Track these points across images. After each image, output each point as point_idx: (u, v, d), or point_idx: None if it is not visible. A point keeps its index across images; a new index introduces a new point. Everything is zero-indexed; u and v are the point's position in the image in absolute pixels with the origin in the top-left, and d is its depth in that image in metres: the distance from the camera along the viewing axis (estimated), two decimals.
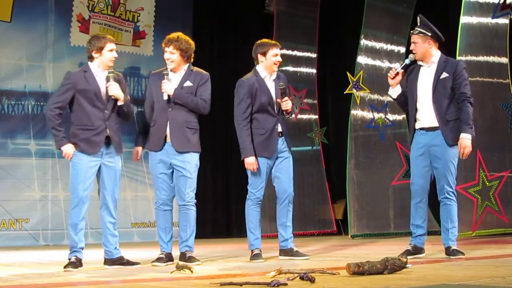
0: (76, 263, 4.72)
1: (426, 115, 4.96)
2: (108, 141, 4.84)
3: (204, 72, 5.29)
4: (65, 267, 4.68)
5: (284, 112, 5.26)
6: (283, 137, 5.29)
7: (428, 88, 4.95)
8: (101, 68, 4.90)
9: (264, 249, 5.51)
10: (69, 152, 4.81)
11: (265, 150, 5.23)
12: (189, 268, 4.07)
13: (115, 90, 4.83)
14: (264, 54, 5.29)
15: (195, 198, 5.18)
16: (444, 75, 4.93)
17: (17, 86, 9.08)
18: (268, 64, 5.28)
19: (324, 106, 10.79)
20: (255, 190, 5.33)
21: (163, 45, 5.18)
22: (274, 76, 5.34)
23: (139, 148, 5.18)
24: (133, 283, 3.67)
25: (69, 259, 4.76)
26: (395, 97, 5.16)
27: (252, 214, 5.38)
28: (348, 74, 9.03)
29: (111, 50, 4.92)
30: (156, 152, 5.06)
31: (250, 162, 5.24)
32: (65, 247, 8.50)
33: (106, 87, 4.84)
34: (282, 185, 5.32)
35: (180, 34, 5.25)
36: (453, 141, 4.87)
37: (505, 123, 7.68)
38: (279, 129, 5.27)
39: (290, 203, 5.34)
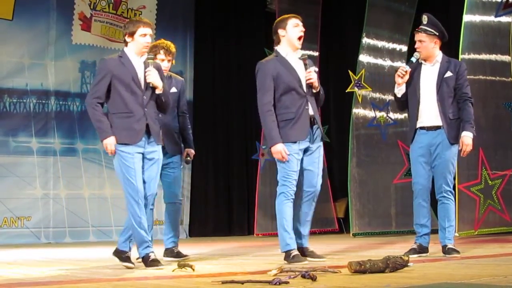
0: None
1: (428, 113, 4.95)
2: (147, 130, 4.50)
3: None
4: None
5: (312, 88, 4.78)
6: (316, 125, 4.81)
7: (431, 86, 4.94)
8: (137, 54, 4.58)
9: (265, 247, 5.51)
10: (111, 146, 4.44)
11: (295, 134, 4.69)
12: (191, 266, 4.07)
13: (153, 77, 4.51)
14: (284, 27, 4.79)
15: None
16: (448, 74, 4.93)
17: (19, 84, 9.08)
18: (290, 39, 4.77)
19: (326, 104, 10.75)
20: (288, 182, 4.71)
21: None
22: (298, 54, 4.82)
23: None
24: (134, 281, 3.67)
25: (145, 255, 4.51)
26: (400, 96, 5.09)
27: (286, 210, 4.71)
28: (350, 73, 9.02)
29: (144, 35, 4.53)
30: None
31: (277, 150, 4.67)
32: (67, 245, 8.54)
33: (145, 73, 4.55)
34: (309, 179, 4.82)
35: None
36: (454, 140, 4.89)
37: (508, 121, 7.67)
38: (310, 111, 4.77)
39: (314, 200, 4.90)
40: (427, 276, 3.44)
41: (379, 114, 8.99)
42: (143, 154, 4.50)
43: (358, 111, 9.00)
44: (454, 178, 5.02)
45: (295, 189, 4.74)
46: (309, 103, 4.76)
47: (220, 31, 10.72)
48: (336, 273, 3.58)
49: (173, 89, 5.28)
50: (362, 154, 8.89)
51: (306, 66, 4.77)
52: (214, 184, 10.50)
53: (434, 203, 5.13)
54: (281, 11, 10.01)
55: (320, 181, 4.89)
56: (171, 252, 5.20)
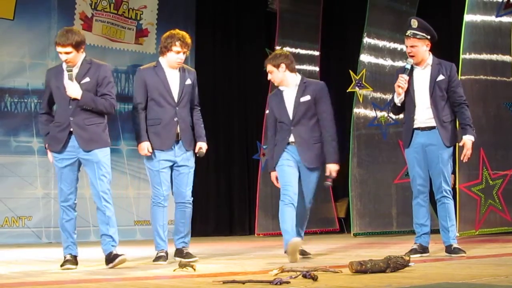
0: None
1: (422, 116, 4.97)
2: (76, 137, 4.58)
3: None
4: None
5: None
6: (297, 147, 5.13)
7: (425, 90, 4.96)
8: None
9: (265, 247, 5.51)
10: (49, 158, 4.73)
11: (277, 157, 5.21)
12: (192, 266, 4.07)
13: (69, 90, 4.54)
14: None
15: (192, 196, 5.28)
16: (441, 77, 4.94)
17: (20, 84, 9.09)
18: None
19: None
20: (285, 190, 5.10)
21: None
22: (295, 85, 5.25)
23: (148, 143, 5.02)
24: (135, 281, 3.67)
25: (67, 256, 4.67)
26: (400, 104, 5.10)
27: (285, 214, 5.04)
28: (351, 72, 9.02)
29: (60, 53, 4.56)
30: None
31: (272, 176, 5.35)
32: None
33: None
34: (302, 197, 5.20)
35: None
36: (449, 142, 4.92)
37: (509, 121, 7.66)
38: (291, 139, 5.12)
39: (306, 215, 5.24)
40: (428, 276, 3.44)
41: (380, 114, 8.99)
42: (78, 158, 4.63)
43: (359, 111, 9.00)
44: (454, 178, 5.02)
45: (292, 194, 5.05)
46: (291, 134, 5.12)
47: (221, 31, 10.73)
48: (337, 273, 3.58)
49: (188, 81, 5.12)
50: (363, 154, 8.89)
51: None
52: (215, 183, 10.50)
53: (434, 203, 5.13)
54: (282, 11, 10.04)
55: (309, 201, 5.23)
56: (181, 253, 5.09)
